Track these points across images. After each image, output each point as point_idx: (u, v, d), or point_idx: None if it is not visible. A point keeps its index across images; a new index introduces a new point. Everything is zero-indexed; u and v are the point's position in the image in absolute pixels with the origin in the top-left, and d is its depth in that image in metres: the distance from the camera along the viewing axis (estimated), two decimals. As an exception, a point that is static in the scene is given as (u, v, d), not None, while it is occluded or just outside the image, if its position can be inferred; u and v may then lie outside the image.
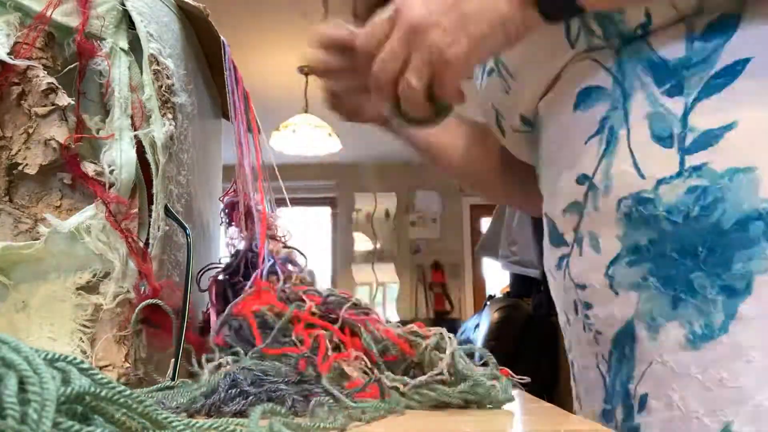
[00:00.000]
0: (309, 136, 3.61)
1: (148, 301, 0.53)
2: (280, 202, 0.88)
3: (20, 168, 0.54)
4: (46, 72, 0.54)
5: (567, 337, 0.60)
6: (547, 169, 0.58)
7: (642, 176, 0.48)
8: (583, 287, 0.53)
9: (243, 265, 0.73)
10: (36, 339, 0.52)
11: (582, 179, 0.52)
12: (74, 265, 0.53)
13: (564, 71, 0.54)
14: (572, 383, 0.62)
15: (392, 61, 0.48)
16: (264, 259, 0.70)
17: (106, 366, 0.53)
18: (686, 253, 0.45)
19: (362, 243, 5.43)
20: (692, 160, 0.45)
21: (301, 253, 0.79)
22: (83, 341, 0.52)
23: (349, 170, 5.32)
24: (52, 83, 0.54)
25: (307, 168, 4.86)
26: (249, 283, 0.66)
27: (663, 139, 0.47)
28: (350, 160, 5.07)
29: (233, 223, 0.80)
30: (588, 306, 0.53)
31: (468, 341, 3.60)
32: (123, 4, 0.59)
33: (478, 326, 3.45)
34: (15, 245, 0.52)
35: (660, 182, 0.47)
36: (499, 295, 3.84)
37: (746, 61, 0.44)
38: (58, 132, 0.54)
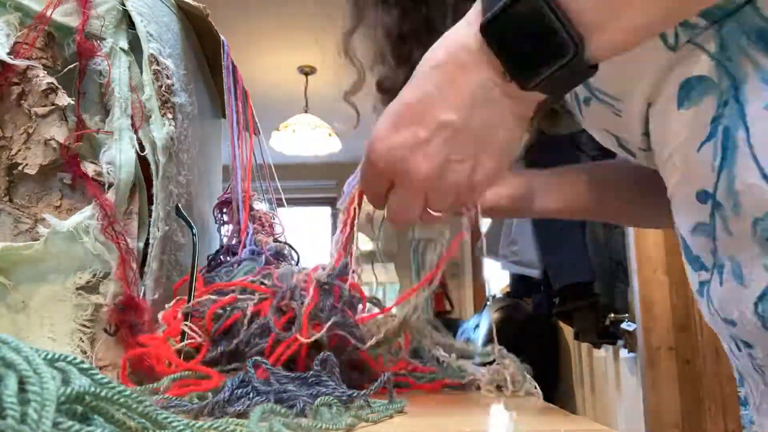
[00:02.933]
0: (309, 136, 3.61)
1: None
2: (280, 202, 0.88)
3: (20, 168, 0.54)
4: (46, 72, 0.54)
5: (735, 366, 0.48)
6: (665, 178, 0.47)
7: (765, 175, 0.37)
8: (732, 323, 0.43)
9: (224, 256, 0.73)
10: (36, 339, 0.52)
11: (703, 197, 0.41)
12: (74, 266, 0.53)
13: (669, 74, 0.43)
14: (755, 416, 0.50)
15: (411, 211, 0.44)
16: (244, 243, 0.70)
17: (106, 366, 0.53)
18: None
19: (362, 243, 5.42)
20: None
21: (293, 248, 0.78)
22: (83, 341, 0.52)
23: (349, 170, 5.31)
24: (52, 83, 0.54)
25: (307, 168, 4.86)
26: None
27: None
28: (350, 160, 5.06)
29: (226, 221, 0.80)
30: (748, 345, 0.43)
31: (468, 341, 3.59)
32: (123, 4, 0.59)
33: (478, 326, 3.45)
34: (15, 245, 0.52)
35: None
36: (499, 295, 3.84)
37: None
38: (58, 132, 0.54)
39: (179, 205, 0.63)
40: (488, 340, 3.22)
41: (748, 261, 0.40)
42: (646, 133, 0.48)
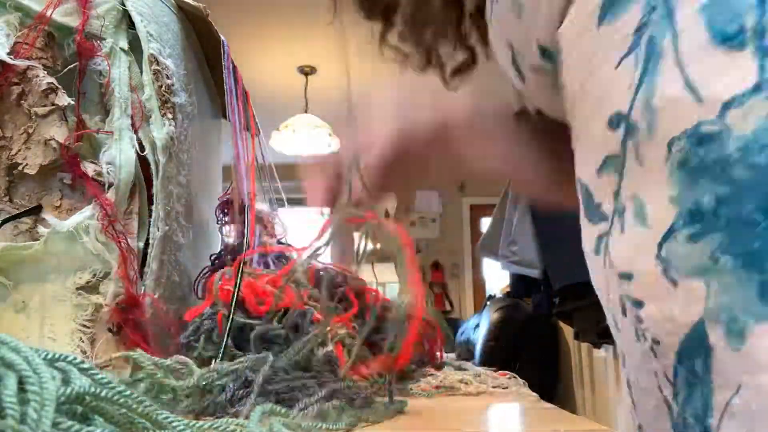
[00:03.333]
0: (309, 136, 3.61)
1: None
2: (280, 202, 0.88)
3: (20, 168, 0.54)
4: (46, 72, 0.54)
5: (618, 347, 0.42)
6: (574, 118, 0.44)
7: (700, 99, 0.34)
8: (628, 277, 0.39)
9: (230, 257, 0.73)
10: (36, 339, 0.52)
11: (616, 120, 0.38)
12: (74, 266, 0.53)
13: None
14: (631, 411, 0.47)
15: None
16: (248, 245, 0.70)
17: (106, 366, 0.53)
18: None
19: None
20: None
21: (295, 249, 0.78)
22: (83, 341, 0.52)
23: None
24: (52, 83, 0.54)
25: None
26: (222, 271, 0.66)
27: (729, 38, 0.33)
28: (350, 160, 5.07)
29: (228, 221, 0.80)
30: (638, 304, 0.38)
31: (468, 341, 3.60)
32: (123, 4, 0.59)
33: (478, 326, 3.45)
34: (15, 245, 0.52)
35: (727, 106, 0.33)
36: (499, 295, 3.84)
37: None
38: (58, 132, 0.54)
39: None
40: (488, 340, 3.23)
41: (654, 195, 0.36)
42: (543, 50, 0.44)
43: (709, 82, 0.32)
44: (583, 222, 0.41)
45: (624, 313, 0.37)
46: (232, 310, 0.56)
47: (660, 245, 0.34)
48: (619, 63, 0.36)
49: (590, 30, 0.38)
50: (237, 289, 0.57)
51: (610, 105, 0.37)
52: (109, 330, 0.53)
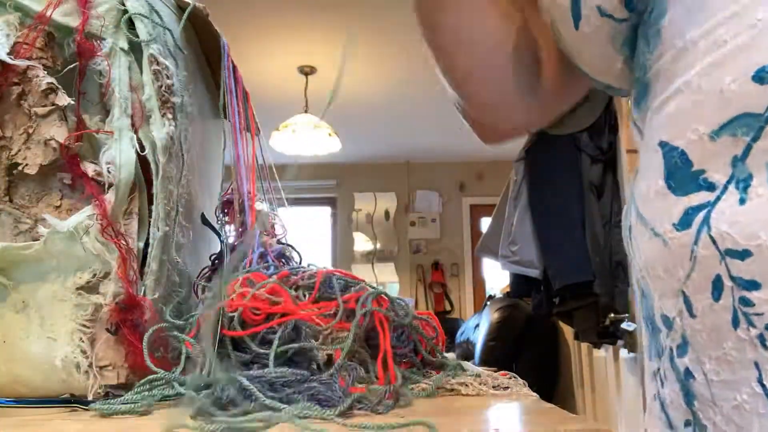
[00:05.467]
0: (309, 136, 3.61)
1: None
2: (280, 202, 0.88)
3: (20, 168, 0.54)
4: (46, 72, 0.54)
5: (684, 330, 0.36)
6: (673, 74, 0.37)
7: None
8: (741, 255, 0.33)
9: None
10: (36, 339, 0.52)
11: (761, 74, 0.32)
12: (74, 266, 0.53)
13: None
14: (673, 401, 0.36)
15: None
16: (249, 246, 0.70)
17: (106, 366, 0.53)
18: None
19: (362, 243, 5.43)
20: None
21: (295, 250, 0.79)
22: (83, 341, 0.52)
23: (349, 170, 5.32)
24: (52, 83, 0.54)
25: (307, 168, 4.86)
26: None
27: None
28: (350, 160, 5.07)
29: (229, 221, 0.80)
30: (752, 285, 0.33)
31: (468, 341, 3.60)
32: (123, 4, 0.59)
33: (478, 326, 3.45)
34: (15, 245, 0.52)
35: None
36: (499, 295, 3.84)
37: None
38: (58, 132, 0.54)
39: (204, 213, 0.64)
40: (488, 340, 3.23)
41: None
42: (629, 3, 0.39)
43: None
44: (657, 192, 0.36)
45: (716, 295, 0.33)
46: (218, 330, 0.56)
47: None
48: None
49: None
50: (220, 315, 0.56)
51: (753, 55, 0.32)
52: (107, 330, 0.53)
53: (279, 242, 0.80)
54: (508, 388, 0.60)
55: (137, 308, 0.53)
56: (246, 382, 0.44)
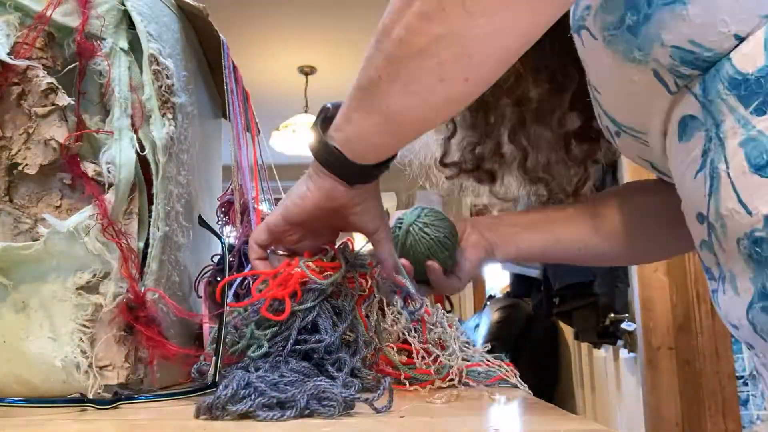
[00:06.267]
0: (309, 136, 3.61)
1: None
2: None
3: (20, 168, 0.54)
4: (46, 72, 0.54)
5: (754, 364, 0.53)
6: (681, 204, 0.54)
7: (749, 213, 0.43)
8: (735, 328, 0.49)
9: (238, 260, 0.73)
10: (36, 339, 0.52)
11: (700, 218, 0.48)
12: (74, 266, 0.53)
13: (671, 113, 0.51)
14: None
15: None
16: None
17: (106, 366, 0.53)
18: None
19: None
20: None
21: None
22: (83, 341, 0.52)
23: (349, 170, 5.33)
24: (52, 83, 0.54)
25: (307, 168, 4.86)
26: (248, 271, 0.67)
27: (761, 168, 0.42)
28: (350, 160, 5.07)
29: (229, 221, 0.80)
30: (750, 347, 0.49)
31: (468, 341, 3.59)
32: (123, 4, 0.59)
33: (478, 326, 3.45)
34: (15, 245, 0.52)
35: None
36: (499, 295, 3.84)
37: None
38: (58, 132, 0.54)
39: (201, 216, 0.64)
40: (488, 340, 3.22)
41: (739, 274, 0.46)
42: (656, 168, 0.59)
43: (754, 200, 0.43)
44: (707, 276, 0.53)
45: (749, 348, 0.50)
46: (224, 320, 0.56)
47: (747, 311, 0.45)
48: (695, 175, 0.48)
49: (676, 143, 0.50)
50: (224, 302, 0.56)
51: (695, 205, 0.48)
52: (125, 331, 0.53)
53: None
54: (507, 386, 0.60)
55: (146, 304, 0.54)
56: (253, 379, 0.44)
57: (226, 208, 0.82)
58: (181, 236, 0.64)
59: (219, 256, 0.75)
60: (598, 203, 0.75)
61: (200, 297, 0.71)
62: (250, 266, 0.69)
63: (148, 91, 0.58)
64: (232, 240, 0.80)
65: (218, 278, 0.72)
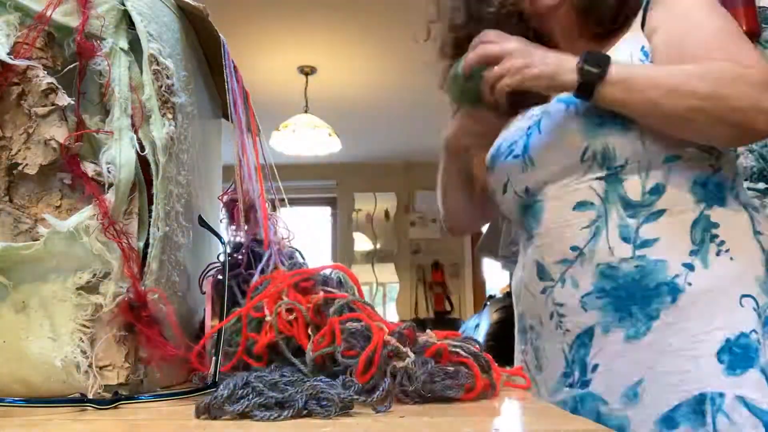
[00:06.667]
0: (309, 136, 3.61)
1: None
2: (280, 202, 0.88)
3: (20, 168, 0.54)
4: (46, 72, 0.54)
5: (532, 326, 0.97)
6: (547, 234, 0.92)
7: (613, 254, 0.85)
8: (561, 305, 0.90)
9: (246, 259, 0.74)
10: (36, 339, 0.52)
11: (575, 249, 0.88)
12: (74, 266, 0.53)
13: (569, 179, 0.90)
14: (522, 355, 1.01)
15: (500, 63, 0.86)
16: (268, 246, 0.71)
17: (106, 366, 0.53)
18: (630, 296, 0.84)
19: (362, 243, 5.43)
20: (639, 252, 0.84)
21: (301, 254, 0.79)
22: (83, 341, 0.52)
23: (349, 170, 5.32)
24: (52, 83, 0.54)
25: (307, 168, 4.86)
26: (257, 275, 0.67)
27: (625, 239, 0.85)
28: (350, 160, 5.07)
29: (233, 220, 0.80)
30: (562, 316, 0.90)
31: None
32: (123, 4, 0.59)
33: (478, 326, 3.45)
34: (15, 245, 0.52)
35: (622, 259, 0.85)
36: (499, 295, 3.83)
37: (663, 210, 0.85)
38: (58, 132, 0.54)
39: (201, 216, 0.64)
40: (488, 340, 3.22)
41: (584, 279, 0.88)
42: (527, 190, 0.98)
43: (617, 250, 0.87)
44: (533, 278, 0.98)
45: (551, 317, 0.95)
46: (222, 335, 0.56)
47: (582, 297, 0.89)
48: (582, 228, 0.88)
49: (569, 209, 0.92)
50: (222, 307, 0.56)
51: (575, 242, 0.89)
52: (128, 330, 0.53)
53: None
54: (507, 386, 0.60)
55: (147, 304, 0.54)
56: (251, 379, 0.44)
57: (230, 207, 0.82)
58: (181, 236, 0.64)
59: (230, 253, 0.75)
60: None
61: (203, 293, 0.71)
62: (259, 265, 0.69)
63: (148, 91, 0.58)
64: (238, 239, 0.80)
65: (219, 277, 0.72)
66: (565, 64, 0.83)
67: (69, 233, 0.52)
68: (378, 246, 5.37)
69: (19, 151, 0.54)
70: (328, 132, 3.64)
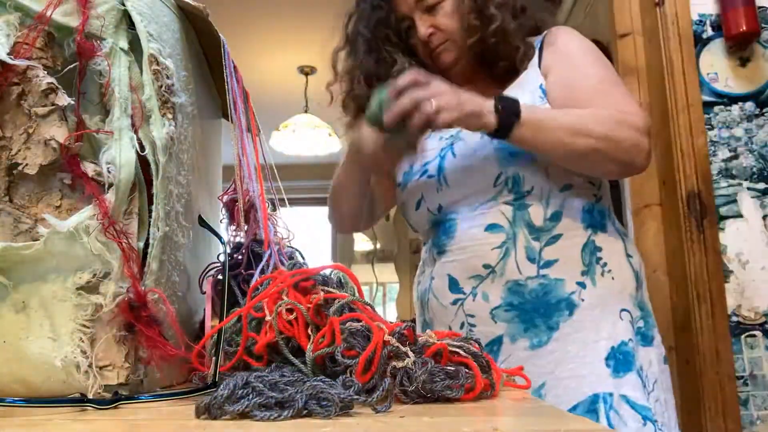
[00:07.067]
0: (309, 136, 3.61)
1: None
2: (280, 202, 0.88)
3: (20, 168, 0.54)
4: (46, 72, 0.54)
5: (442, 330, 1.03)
6: (461, 251, 1.02)
7: (521, 272, 0.98)
8: (472, 316, 1.01)
9: (246, 259, 0.74)
10: (36, 339, 0.52)
11: (487, 266, 0.99)
12: (74, 266, 0.53)
13: (480, 201, 1.01)
14: None
15: (420, 100, 0.86)
16: (268, 246, 0.71)
17: (106, 366, 0.53)
18: (534, 310, 0.97)
19: (362, 243, 5.43)
20: (542, 271, 0.97)
21: (300, 254, 0.79)
22: (83, 341, 0.52)
23: (349, 170, 5.32)
24: (52, 83, 0.54)
25: (307, 168, 4.86)
26: (256, 275, 0.67)
27: (531, 259, 0.98)
28: (350, 160, 5.07)
29: (233, 220, 0.80)
30: (473, 326, 1.02)
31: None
32: (123, 4, 0.59)
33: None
34: (15, 245, 0.52)
35: (528, 278, 0.97)
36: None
37: (560, 235, 0.98)
38: (58, 132, 0.54)
39: (201, 215, 0.64)
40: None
41: (494, 293, 1.01)
42: (440, 207, 1.10)
43: (524, 269, 1.01)
44: (444, 290, 1.09)
45: (461, 327, 1.07)
46: (222, 336, 0.56)
47: (492, 310, 1.03)
48: (493, 249, 1.01)
49: (481, 230, 1.04)
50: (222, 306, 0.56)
51: (486, 260, 1.01)
52: (127, 330, 0.53)
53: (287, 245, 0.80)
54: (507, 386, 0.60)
55: (147, 304, 0.54)
56: (251, 379, 0.44)
57: (230, 207, 0.82)
58: (181, 236, 0.64)
59: (231, 253, 0.75)
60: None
61: (203, 293, 0.71)
62: (259, 264, 0.69)
63: (148, 91, 0.58)
64: (238, 239, 0.80)
65: (219, 277, 0.72)
66: (486, 105, 0.89)
67: (69, 233, 0.52)
68: (378, 246, 5.37)
69: (19, 151, 0.54)
70: (328, 132, 3.64)
